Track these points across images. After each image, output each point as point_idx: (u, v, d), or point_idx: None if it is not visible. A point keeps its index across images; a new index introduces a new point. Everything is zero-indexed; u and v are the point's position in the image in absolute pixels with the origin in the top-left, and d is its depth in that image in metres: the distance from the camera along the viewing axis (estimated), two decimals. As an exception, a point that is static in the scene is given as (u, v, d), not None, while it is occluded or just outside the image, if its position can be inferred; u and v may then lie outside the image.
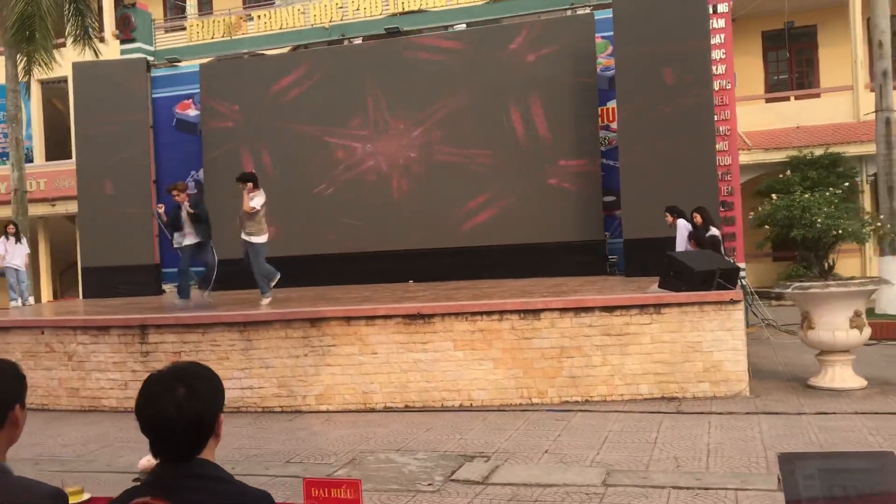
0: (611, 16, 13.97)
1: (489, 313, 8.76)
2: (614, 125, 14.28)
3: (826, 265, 8.45)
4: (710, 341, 8.37)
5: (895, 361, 10.07)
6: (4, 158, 24.56)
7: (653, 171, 12.61)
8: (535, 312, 8.63)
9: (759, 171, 17.95)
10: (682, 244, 10.56)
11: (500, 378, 8.70)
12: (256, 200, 10.90)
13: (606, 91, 14.38)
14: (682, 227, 10.63)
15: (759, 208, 8.82)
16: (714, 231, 10.74)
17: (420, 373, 8.84)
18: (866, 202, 17.57)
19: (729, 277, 8.69)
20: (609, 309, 8.52)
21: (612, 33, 13.86)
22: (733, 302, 8.35)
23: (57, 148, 24.91)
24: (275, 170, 15.71)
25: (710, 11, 13.27)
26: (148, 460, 3.38)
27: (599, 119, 14.30)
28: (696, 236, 10.61)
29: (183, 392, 1.99)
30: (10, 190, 17.28)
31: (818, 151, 17.51)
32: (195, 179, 16.81)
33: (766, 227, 8.54)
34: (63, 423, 9.06)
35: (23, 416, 2.19)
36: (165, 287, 15.93)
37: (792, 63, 20.37)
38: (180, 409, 1.98)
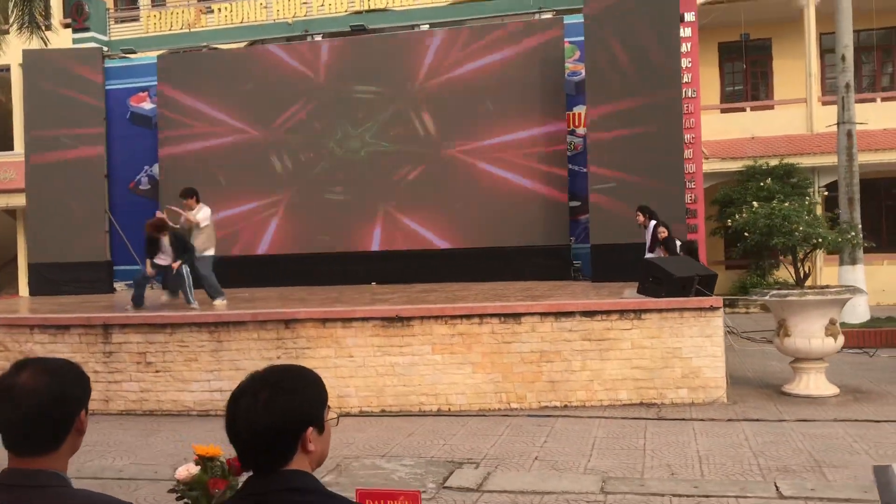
0: (578, 21, 14.08)
1: (469, 317, 8.64)
2: (581, 130, 14.37)
3: (802, 273, 8.54)
4: (689, 347, 8.41)
5: (861, 369, 10.27)
6: (-59, 148, 23.57)
7: (620, 176, 12.68)
8: (516, 316, 8.55)
9: (716, 179, 18.25)
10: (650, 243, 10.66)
11: (479, 382, 8.59)
12: (201, 214, 10.72)
13: (574, 96, 14.45)
14: (651, 229, 10.69)
15: (737, 215, 8.88)
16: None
17: (397, 377, 8.68)
18: (818, 213, 17.99)
19: (707, 284, 8.74)
20: (590, 314, 8.48)
21: (580, 38, 13.93)
22: (713, 308, 8.40)
23: (-3, 138, 23.98)
24: (230, 167, 15.37)
25: (678, 20, 13.42)
26: (187, 470, 3.17)
27: (567, 123, 14.32)
28: (667, 247, 10.67)
29: (266, 395, 1.81)
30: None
31: (773, 162, 17.88)
32: (149, 174, 16.34)
33: (746, 233, 8.57)
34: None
35: (86, 422, 1.99)
36: (117, 285, 15.44)
37: (747, 74, 20.78)
38: (260, 414, 1.79)
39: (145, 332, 9.08)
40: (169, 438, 7.93)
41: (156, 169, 16.01)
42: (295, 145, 15.26)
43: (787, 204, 8.70)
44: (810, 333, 8.44)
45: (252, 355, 8.90)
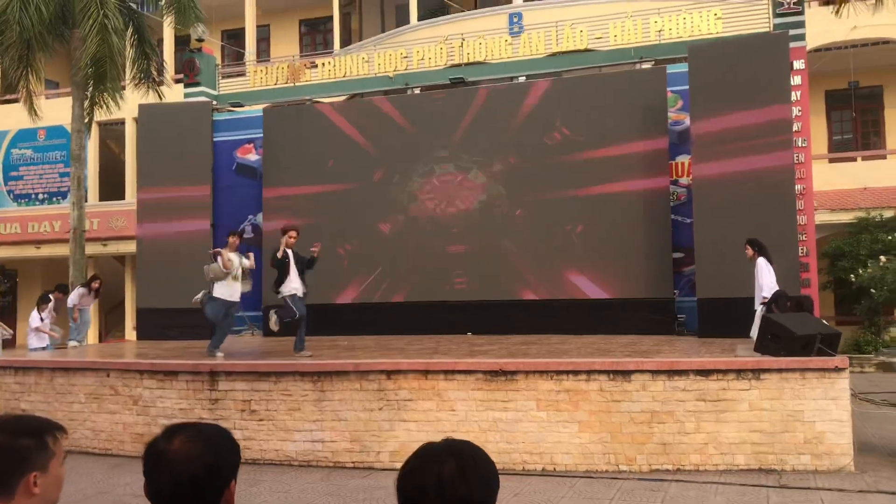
0: (680, 70, 13.82)
1: (575, 372, 8.35)
2: (684, 180, 14.00)
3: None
4: (812, 410, 7.89)
5: None
6: (59, 198, 24.81)
7: (728, 228, 12.23)
8: (626, 374, 8.22)
9: (826, 231, 17.46)
10: (762, 283, 10.09)
11: (586, 442, 8.25)
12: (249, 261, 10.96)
13: (676, 145, 14.10)
14: (763, 266, 10.13)
15: (860, 270, 8.35)
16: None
17: (500, 433, 8.43)
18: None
19: (830, 343, 8.23)
20: (704, 372, 8.08)
21: (683, 87, 13.65)
22: (838, 369, 7.88)
23: (110, 188, 25.09)
24: (330, 217, 15.58)
25: (788, 68, 13.02)
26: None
27: (670, 173, 13.97)
28: (777, 303, 10.07)
29: (453, 467, 1.66)
30: (70, 229, 17.22)
31: (888, 213, 17.02)
32: (252, 223, 16.70)
33: (872, 290, 8.05)
34: (129, 471, 8.73)
35: (234, 492, 1.87)
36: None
37: (857, 123, 20.00)
38: (445, 486, 1.65)
39: (251, 380, 9.12)
40: (272, 489, 7.87)
41: (259, 218, 16.35)
42: (398, 192, 15.33)
43: (918, 260, 8.14)
44: (947, 399, 7.81)
45: (354, 406, 8.82)
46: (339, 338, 13.46)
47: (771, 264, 10.28)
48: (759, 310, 10.15)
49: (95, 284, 14.73)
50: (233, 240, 11.08)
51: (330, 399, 8.89)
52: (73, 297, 14.47)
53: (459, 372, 8.63)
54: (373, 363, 8.97)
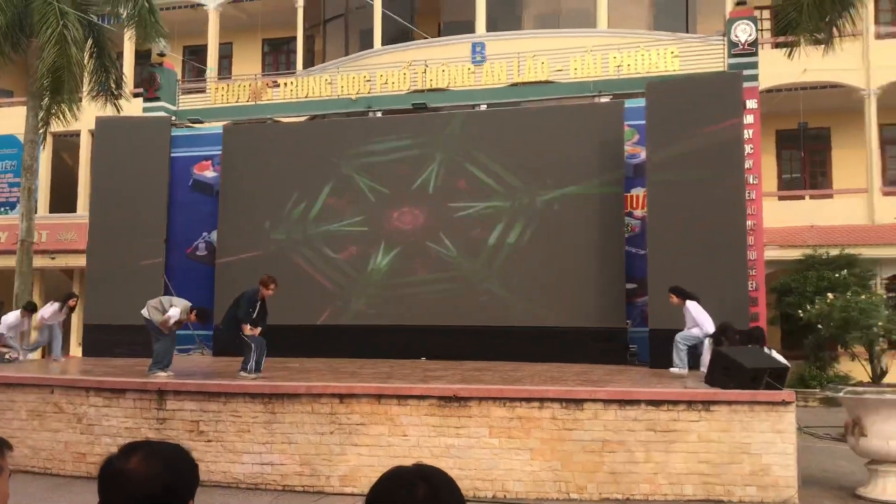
0: (638, 105, 14.07)
1: (529, 400, 8.36)
2: (638, 212, 14.21)
3: (880, 370, 8.15)
4: (759, 443, 8.00)
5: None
6: (7, 208, 24.23)
7: (681, 261, 12.41)
8: (578, 402, 8.25)
9: (774, 267, 17.84)
10: (701, 320, 10.42)
11: (538, 469, 8.25)
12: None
13: (632, 178, 14.32)
14: (695, 306, 10.40)
15: (809, 306, 8.55)
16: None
17: (452, 459, 8.38)
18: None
19: (778, 376, 8.37)
20: (656, 403, 8.15)
21: (640, 122, 13.90)
22: (785, 403, 8.01)
23: (61, 200, 24.58)
24: (287, 236, 15.46)
25: (741, 107, 13.34)
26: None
27: (625, 205, 14.16)
28: (727, 335, 10.29)
29: (425, 491, 1.66)
30: (18, 240, 16.82)
31: (833, 251, 17.46)
32: (206, 240, 16.49)
33: (819, 325, 8.24)
34: (70, 491, 8.49)
35: None
36: (170, 349, 15.41)
37: (806, 163, 20.56)
38: None
39: (200, 399, 8.95)
40: (219, 512, 7.71)
41: (214, 235, 16.14)
42: (353, 217, 15.28)
43: (863, 297, 8.35)
44: (888, 435, 7.99)
45: (305, 429, 8.70)
46: (290, 360, 13.29)
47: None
48: (706, 343, 10.38)
49: (72, 303, 14.31)
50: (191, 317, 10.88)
51: (281, 421, 8.76)
52: (44, 311, 14.08)
53: (413, 397, 8.57)
54: (326, 386, 8.87)
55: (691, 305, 10.79)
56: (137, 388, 9.22)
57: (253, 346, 10.18)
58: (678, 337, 11.10)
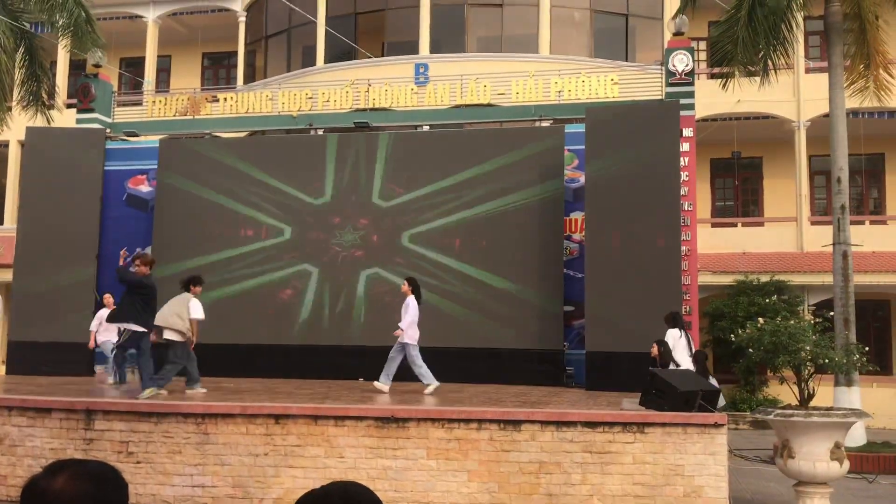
0: (577, 130, 14.31)
1: (467, 421, 8.38)
2: (577, 236, 14.41)
3: (807, 394, 8.39)
4: (692, 465, 8.15)
5: (861, 496, 10.01)
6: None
7: (618, 284, 12.63)
8: (516, 423, 8.30)
9: (707, 292, 18.27)
10: (682, 353, 10.46)
11: (475, 491, 8.25)
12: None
13: (571, 202, 14.53)
14: (673, 336, 10.49)
15: (740, 331, 8.78)
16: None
17: (389, 481, 8.34)
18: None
19: (710, 399, 8.55)
20: (592, 425, 8.24)
21: (579, 147, 14.12)
22: (717, 425, 8.19)
23: (-14, 212, 23.78)
24: (224, 254, 15.24)
25: (677, 135, 13.68)
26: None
27: (564, 229, 14.34)
28: (664, 359, 10.52)
29: None
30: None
31: (764, 278, 17.97)
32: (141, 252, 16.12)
33: (749, 349, 8.46)
34: (-12, 515, 8.16)
35: None
36: (98, 368, 14.99)
37: (738, 191, 21.17)
38: None
39: (130, 420, 8.73)
40: (147, 536, 7.50)
41: (148, 250, 15.76)
42: (292, 235, 15.14)
43: (792, 322, 8.61)
44: (815, 456, 8.22)
45: (239, 450, 8.55)
46: (223, 380, 13.07)
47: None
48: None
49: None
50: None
51: (214, 442, 8.59)
52: None
53: (350, 418, 8.51)
54: (261, 406, 8.75)
55: (673, 334, 10.76)
56: (64, 407, 8.94)
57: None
58: None
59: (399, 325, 11.30)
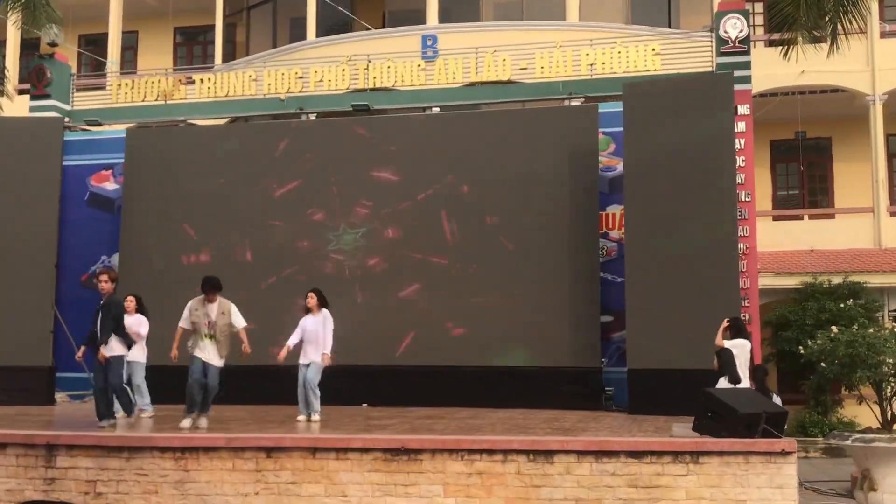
0: (614, 109, 14.30)
1: (490, 452, 8.40)
2: (615, 233, 14.41)
3: (889, 415, 8.36)
4: (756, 500, 8.12)
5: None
6: None
7: (664, 289, 12.61)
8: (548, 454, 8.31)
9: (769, 297, 18.17)
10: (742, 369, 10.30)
11: (501, 534, 8.26)
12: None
13: (607, 195, 14.52)
14: (740, 346, 10.34)
15: (810, 342, 8.74)
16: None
17: (400, 523, 8.35)
18: (890, 340, 17.91)
19: (776, 423, 8.53)
20: (637, 454, 8.24)
21: (616, 129, 14.13)
22: (785, 453, 8.16)
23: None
24: (203, 260, 15.32)
25: (732, 113, 13.64)
26: None
27: (599, 225, 14.33)
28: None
29: None
30: None
31: (836, 279, 17.87)
32: (106, 265, 16.21)
33: (822, 364, 8.42)
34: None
35: None
36: (59, 396, 15.12)
37: (804, 178, 21.05)
38: None
39: (97, 455, 8.81)
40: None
41: (115, 259, 15.89)
42: (286, 237, 15.18)
43: (871, 330, 8.57)
44: (902, 488, 8.18)
45: (224, 489, 8.61)
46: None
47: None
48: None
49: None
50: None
51: (195, 480, 8.65)
52: None
53: (354, 450, 8.56)
54: (249, 438, 8.81)
55: (739, 344, 10.61)
56: (20, 441, 9.03)
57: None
58: None
59: (324, 350, 11.52)
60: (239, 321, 10.58)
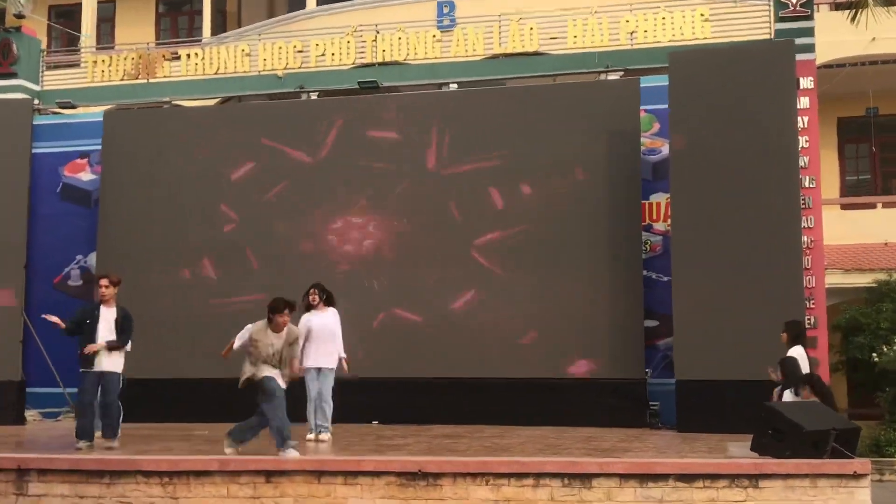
0: (658, 83, 14.26)
1: (519, 476, 8.39)
2: (660, 225, 14.37)
3: None
4: (825, 530, 8.09)
5: None
6: None
7: (716, 289, 12.57)
8: (585, 478, 8.29)
9: (837, 297, 18.06)
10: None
11: (532, 569, 8.26)
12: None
13: (651, 181, 14.48)
14: (798, 356, 10.30)
15: (885, 348, 8.68)
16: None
17: (418, 556, 8.37)
18: None
19: (847, 441, 8.49)
20: (688, 478, 8.21)
21: (661, 106, 14.09)
22: (858, 476, 8.12)
23: None
24: (190, 260, 15.40)
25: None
26: None
27: (642, 217, 14.30)
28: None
29: None
30: None
31: (915, 277, 17.77)
32: (81, 266, 16.34)
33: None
34: None
35: None
36: (29, 414, 15.23)
37: (876, 160, 20.90)
38: None
39: (75, 481, 8.84)
40: None
41: (92, 259, 15.99)
42: (287, 231, 15.22)
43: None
44: None
45: (219, 519, 8.63)
46: (195, 425, 13.21)
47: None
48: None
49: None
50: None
51: (185, 509, 8.69)
52: None
53: (364, 473, 8.57)
54: (246, 460, 8.86)
55: (796, 352, 10.55)
56: (-12, 465, 9.08)
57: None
58: None
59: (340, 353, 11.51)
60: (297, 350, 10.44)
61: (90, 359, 10.46)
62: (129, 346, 10.76)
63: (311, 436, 11.26)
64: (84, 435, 10.34)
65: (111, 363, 10.52)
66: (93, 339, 10.46)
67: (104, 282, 10.70)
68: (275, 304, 9.74)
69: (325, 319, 11.48)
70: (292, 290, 14.58)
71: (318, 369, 11.38)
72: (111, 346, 10.45)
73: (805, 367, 10.29)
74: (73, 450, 9.99)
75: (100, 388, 10.50)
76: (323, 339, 11.39)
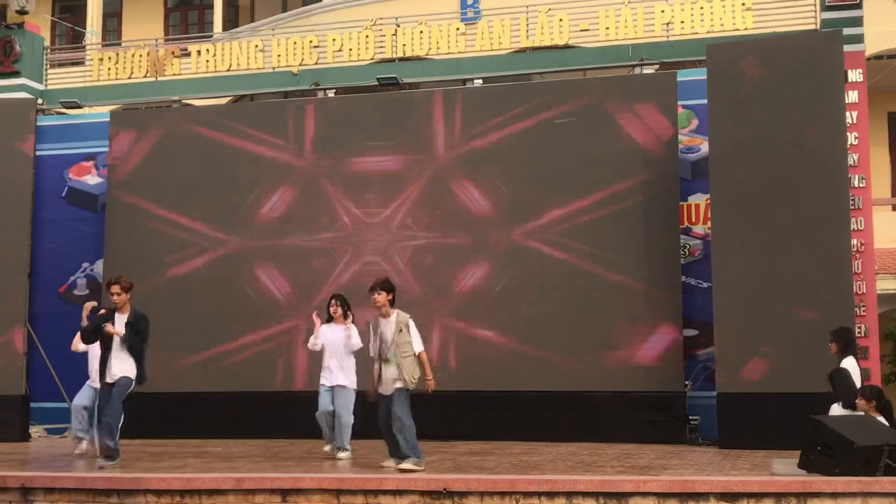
0: (696, 78, 14.23)
1: (551, 495, 8.36)
2: (699, 228, 14.31)
3: None
4: (878, 553, 8.02)
5: None
6: None
7: (760, 296, 12.51)
8: (622, 497, 8.25)
9: (889, 304, 17.95)
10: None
11: None
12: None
13: (689, 181, 14.44)
14: (851, 368, 10.22)
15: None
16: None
17: (443, 581, 8.36)
18: None
19: (901, 457, 8.43)
20: (731, 497, 8.16)
21: (699, 101, 14.06)
22: (912, 495, 8.06)
23: None
24: (202, 266, 15.49)
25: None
26: None
27: (680, 219, 14.25)
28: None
29: None
30: None
31: (974, 284, 17.65)
32: (88, 274, 16.43)
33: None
34: None
35: None
36: (34, 430, 15.30)
37: (930, 157, 20.82)
38: None
39: (81, 501, 8.89)
40: None
41: (98, 267, 16.08)
42: (301, 241, 15.26)
43: None
44: None
45: (233, 541, 8.66)
46: (208, 441, 13.25)
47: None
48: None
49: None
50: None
51: (197, 530, 8.72)
52: None
53: (386, 492, 8.56)
54: (262, 479, 8.86)
55: (849, 364, 10.45)
56: (-9, 484, 9.16)
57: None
58: None
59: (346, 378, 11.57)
60: (418, 344, 10.32)
61: (103, 372, 10.51)
62: (146, 351, 10.72)
63: (327, 447, 11.47)
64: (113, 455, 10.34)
65: (121, 368, 10.47)
66: (108, 350, 10.49)
67: (115, 289, 10.57)
68: (379, 283, 10.16)
69: (337, 335, 11.53)
70: (307, 293, 14.82)
71: (330, 387, 11.46)
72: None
73: (857, 380, 10.23)
74: (79, 467, 10.05)
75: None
76: (333, 353, 11.48)
